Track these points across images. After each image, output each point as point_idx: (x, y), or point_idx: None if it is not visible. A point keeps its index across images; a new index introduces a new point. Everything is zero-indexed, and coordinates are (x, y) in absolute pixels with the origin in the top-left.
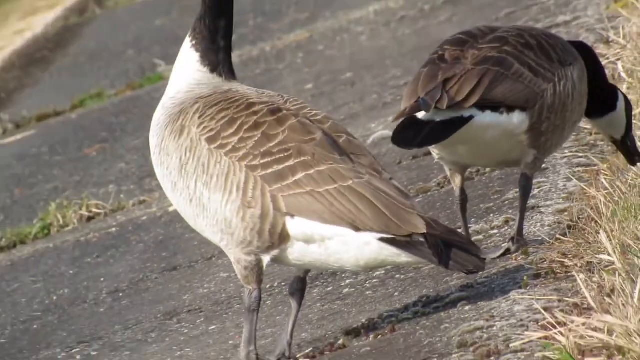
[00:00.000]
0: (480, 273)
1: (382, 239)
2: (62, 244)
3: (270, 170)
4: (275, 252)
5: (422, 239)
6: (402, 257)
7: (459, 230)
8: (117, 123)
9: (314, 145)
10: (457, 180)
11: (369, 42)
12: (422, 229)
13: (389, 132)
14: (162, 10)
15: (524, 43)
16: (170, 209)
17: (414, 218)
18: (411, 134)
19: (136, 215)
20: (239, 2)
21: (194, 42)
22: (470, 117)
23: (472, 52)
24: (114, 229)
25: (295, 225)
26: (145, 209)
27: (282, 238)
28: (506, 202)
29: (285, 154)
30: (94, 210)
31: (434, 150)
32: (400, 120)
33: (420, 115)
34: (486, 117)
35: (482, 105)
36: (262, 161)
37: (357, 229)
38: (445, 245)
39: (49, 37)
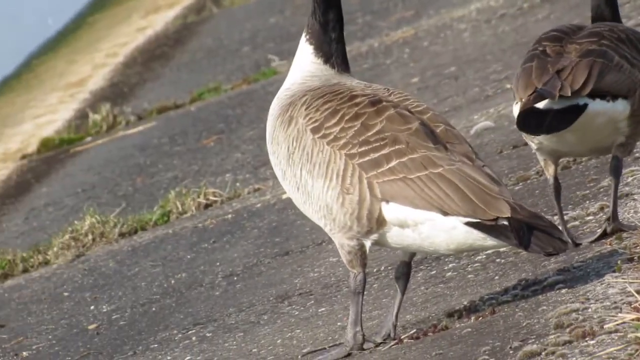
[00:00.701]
0: (577, 257)
1: (468, 223)
2: (180, 230)
3: (367, 158)
4: (374, 236)
5: (506, 223)
6: (487, 240)
7: (555, 217)
8: (234, 115)
9: (408, 134)
10: (550, 170)
11: (471, 39)
12: (507, 212)
13: (490, 123)
14: (276, 8)
15: (617, 37)
16: (283, 196)
17: (499, 203)
18: (535, 121)
19: (251, 203)
20: (349, 1)
21: (307, 37)
22: (585, 105)
23: (573, 47)
24: (229, 216)
25: (390, 211)
26: (259, 197)
27: (379, 223)
28: (601, 189)
29: (382, 143)
30: (211, 198)
31: (534, 140)
32: (523, 109)
33: (540, 104)
34: (597, 105)
35: (592, 94)
36: (360, 150)
37: (445, 213)
38: (528, 229)
39: (168, 34)
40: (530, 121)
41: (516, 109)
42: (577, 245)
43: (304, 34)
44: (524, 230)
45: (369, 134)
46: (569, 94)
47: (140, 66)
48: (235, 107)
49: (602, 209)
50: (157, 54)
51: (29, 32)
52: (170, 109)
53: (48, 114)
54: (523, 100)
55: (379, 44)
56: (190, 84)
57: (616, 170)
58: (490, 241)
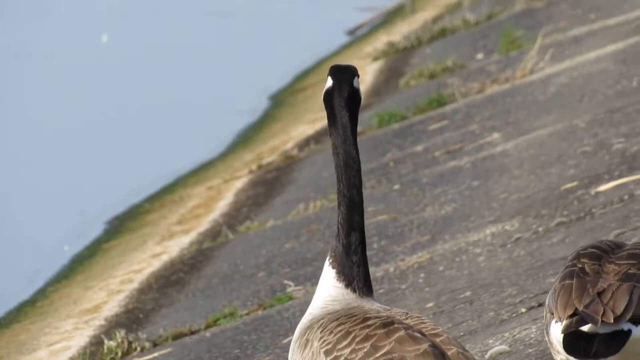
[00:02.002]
0: None
1: None
2: None
3: None
4: None
5: None
6: None
7: None
8: (249, 341)
9: (416, 355)
10: None
11: (486, 263)
12: None
13: (505, 347)
14: (291, 234)
15: None
16: None
17: None
18: (584, 346)
19: None
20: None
21: (330, 260)
22: (629, 331)
23: (612, 267)
24: None
25: None
26: None
27: None
28: None
29: None
30: None
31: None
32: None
33: (584, 327)
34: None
35: (633, 320)
36: None
37: None
38: None
39: (184, 260)
40: (579, 346)
41: (555, 328)
42: None
43: (327, 257)
44: None
45: (377, 354)
46: (612, 321)
47: (156, 292)
48: (250, 332)
49: None
50: (172, 280)
51: (45, 258)
52: (185, 335)
53: (63, 340)
54: (564, 321)
55: (394, 268)
56: (206, 309)
57: None
58: None
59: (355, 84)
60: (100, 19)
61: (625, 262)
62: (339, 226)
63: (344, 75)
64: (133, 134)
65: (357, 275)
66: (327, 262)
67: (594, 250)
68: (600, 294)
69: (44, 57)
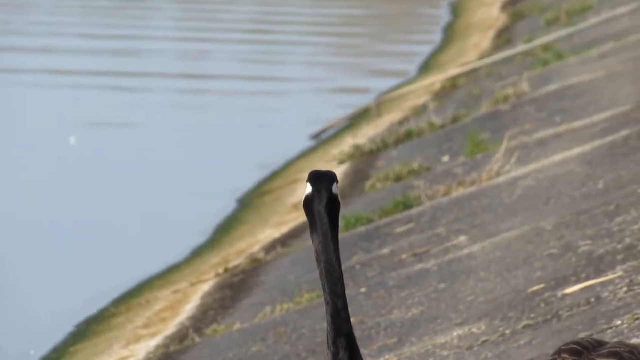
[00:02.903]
0: None
1: None
2: None
3: None
4: None
5: None
6: None
7: None
8: None
9: None
10: None
11: None
12: None
13: None
14: (258, 337)
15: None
16: None
17: None
18: None
19: None
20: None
21: None
22: None
23: None
24: None
25: None
26: None
27: None
28: None
29: None
30: None
31: None
32: None
33: None
34: None
35: None
36: None
37: None
38: None
39: None
40: None
41: None
42: None
43: None
44: None
45: None
46: None
47: None
48: None
49: None
50: None
51: None
52: None
53: None
54: None
55: None
56: None
57: None
58: None
59: (334, 190)
60: (69, 121)
61: (605, 359)
62: (327, 333)
63: (324, 181)
64: (99, 237)
65: None
66: None
67: (575, 346)
68: None
69: (8, 155)
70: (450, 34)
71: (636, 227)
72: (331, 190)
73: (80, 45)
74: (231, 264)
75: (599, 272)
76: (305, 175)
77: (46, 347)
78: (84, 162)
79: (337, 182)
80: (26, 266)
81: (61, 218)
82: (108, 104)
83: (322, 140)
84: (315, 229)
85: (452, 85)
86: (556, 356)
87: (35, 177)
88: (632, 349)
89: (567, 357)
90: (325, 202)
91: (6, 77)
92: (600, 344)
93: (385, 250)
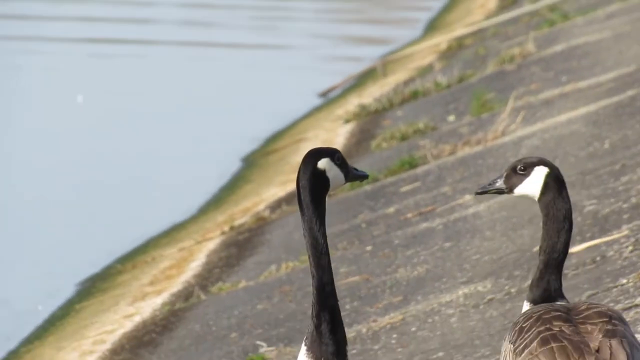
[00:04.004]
0: None
1: None
2: None
3: None
4: None
5: None
6: None
7: None
8: None
9: None
10: None
11: (459, 323)
12: None
13: None
14: (263, 295)
15: (617, 317)
16: None
17: None
18: None
19: None
20: (337, 288)
21: (306, 336)
22: None
23: (589, 328)
24: None
25: None
26: None
27: None
28: None
29: None
30: None
31: None
32: None
33: None
34: None
35: None
36: None
37: None
38: None
39: (156, 321)
40: None
41: None
42: None
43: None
44: None
45: None
46: None
47: (128, 353)
48: None
49: None
50: (144, 341)
51: (19, 318)
52: None
53: None
54: None
55: (367, 329)
56: None
57: None
58: None
59: (321, 164)
60: (76, 79)
61: (600, 320)
62: (312, 304)
63: (311, 156)
64: (106, 195)
65: (324, 353)
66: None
67: (558, 313)
68: (597, 351)
69: (15, 117)
70: None
71: None
72: (316, 165)
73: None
74: (236, 222)
75: (604, 231)
76: (310, 135)
77: (53, 305)
78: (91, 121)
79: (332, 157)
80: (34, 223)
81: (68, 176)
82: (113, 65)
83: (328, 99)
84: (300, 203)
85: (458, 45)
86: (548, 325)
87: (43, 135)
88: (608, 310)
89: (560, 323)
90: (308, 175)
91: (9, 44)
92: (573, 308)
93: (391, 209)
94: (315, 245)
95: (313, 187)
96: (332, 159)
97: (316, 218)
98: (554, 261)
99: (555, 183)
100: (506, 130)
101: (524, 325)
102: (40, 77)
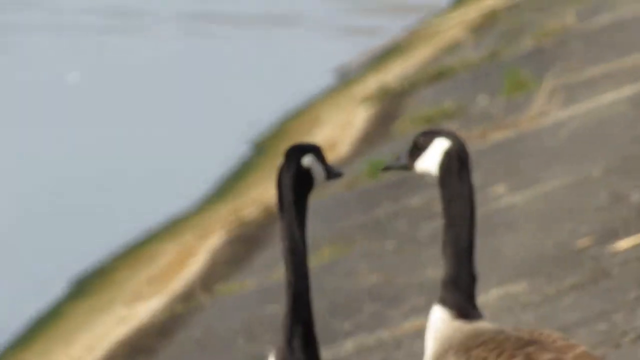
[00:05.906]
0: None
1: None
2: None
3: None
4: None
5: None
6: None
7: None
8: None
9: None
10: None
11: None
12: None
13: None
14: (271, 298)
15: None
16: None
17: None
18: None
19: None
20: (355, 289)
21: (272, 352)
22: None
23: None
24: None
25: None
26: None
27: None
28: None
29: None
30: None
31: None
32: None
33: None
34: None
35: None
36: None
37: None
38: None
39: (154, 325)
40: None
41: None
42: None
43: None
44: None
45: None
46: None
47: None
48: None
49: None
50: (141, 347)
51: (6, 318)
52: None
53: None
54: None
55: (389, 335)
56: None
57: None
58: None
59: (305, 162)
60: (69, 55)
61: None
62: (284, 315)
63: (294, 152)
64: (98, 186)
65: None
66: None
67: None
68: None
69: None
70: None
71: None
72: (299, 161)
73: None
74: (243, 215)
75: None
76: (325, 117)
77: (40, 304)
78: (85, 103)
79: (317, 153)
80: (28, 214)
81: (64, 164)
82: (113, 43)
83: (345, 78)
84: (280, 203)
85: (490, 17)
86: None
87: (37, 117)
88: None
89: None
90: (292, 172)
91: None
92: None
93: (415, 200)
94: (294, 251)
95: (296, 186)
96: (317, 156)
97: (298, 221)
98: (463, 252)
99: (455, 160)
100: (543, 112)
101: None
102: (29, 54)
